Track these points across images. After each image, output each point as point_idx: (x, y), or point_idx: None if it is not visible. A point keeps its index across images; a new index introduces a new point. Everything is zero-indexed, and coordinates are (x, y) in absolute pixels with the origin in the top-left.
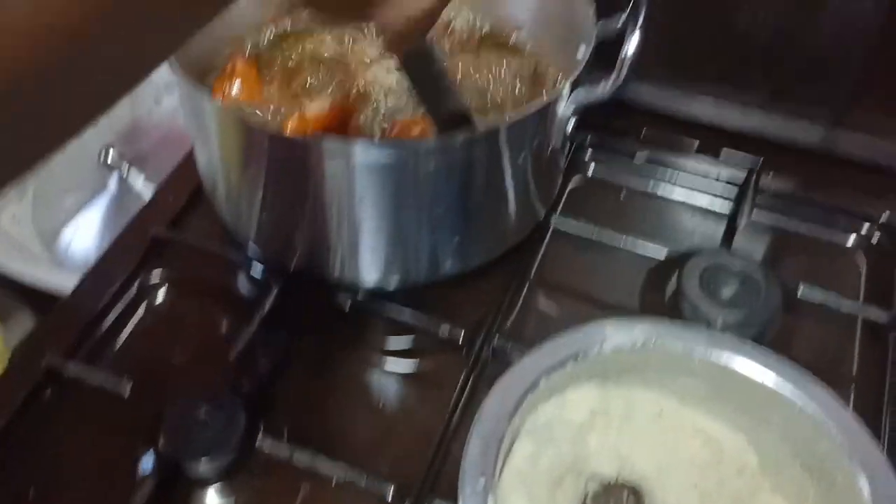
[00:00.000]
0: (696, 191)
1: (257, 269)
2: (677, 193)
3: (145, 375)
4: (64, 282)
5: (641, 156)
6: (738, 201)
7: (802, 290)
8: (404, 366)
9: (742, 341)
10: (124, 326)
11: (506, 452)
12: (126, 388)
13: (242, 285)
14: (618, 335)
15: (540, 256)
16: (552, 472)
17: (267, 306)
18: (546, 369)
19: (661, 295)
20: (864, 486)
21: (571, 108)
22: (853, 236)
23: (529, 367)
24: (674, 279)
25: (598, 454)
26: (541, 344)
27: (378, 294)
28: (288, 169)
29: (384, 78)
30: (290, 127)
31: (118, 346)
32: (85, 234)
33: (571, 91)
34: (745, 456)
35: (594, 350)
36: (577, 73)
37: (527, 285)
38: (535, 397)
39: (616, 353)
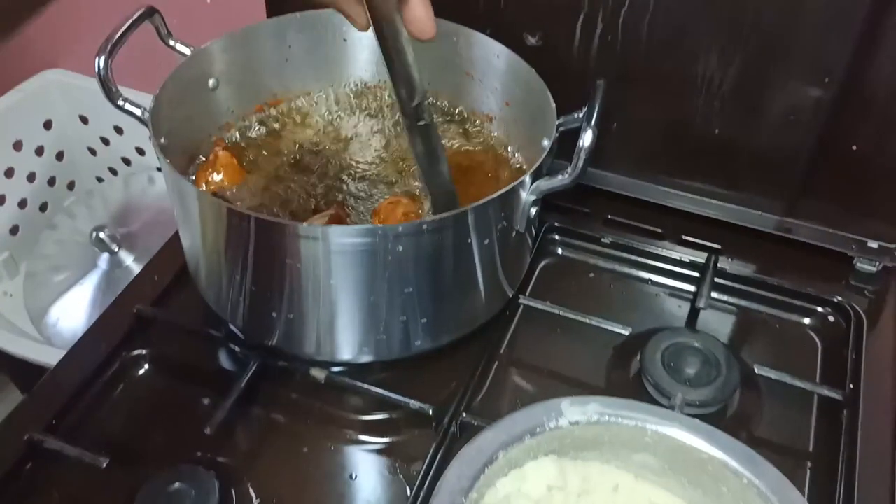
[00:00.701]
0: (660, 272)
1: (237, 346)
2: (642, 274)
3: (123, 450)
4: (51, 358)
5: (607, 239)
6: (699, 284)
7: (760, 370)
8: (376, 439)
9: (690, 419)
10: (105, 401)
11: None
12: (103, 463)
13: (222, 361)
14: (573, 411)
15: (509, 334)
16: None
17: (244, 382)
18: (504, 443)
19: (626, 372)
20: None
21: (534, 195)
22: (809, 318)
23: (488, 441)
24: (638, 357)
25: None
26: (500, 419)
27: (352, 369)
28: (266, 251)
29: (360, 154)
30: None
31: (98, 421)
32: (74, 312)
33: (534, 180)
34: None
35: (551, 424)
36: (538, 163)
37: (496, 362)
38: (494, 471)
39: (571, 428)
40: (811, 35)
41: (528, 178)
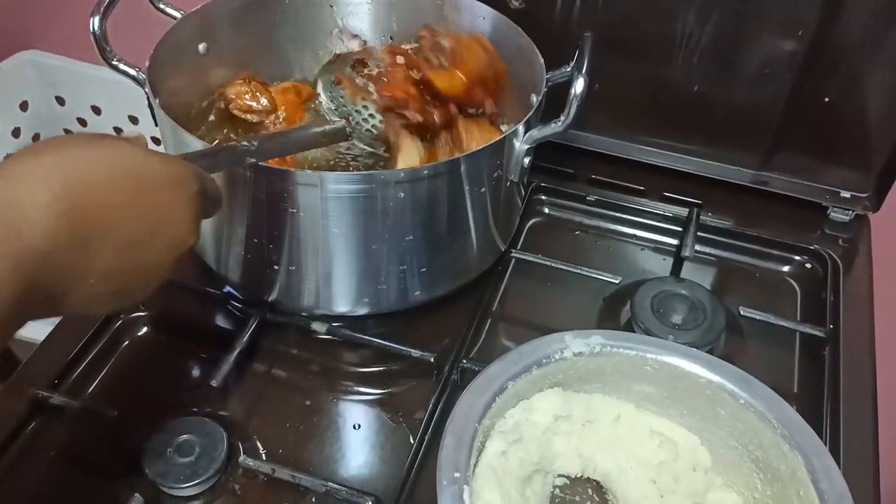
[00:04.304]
0: (644, 227)
1: (236, 303)
2: (627, 230)
3: (128, 405)
4: (34, 332)
5: (592, 198)
6: (682, 236)
7: (745, 311)
8: (377, 390)
9: (688, 348)
10: (106, 362)
11: (478, 450)
12: (110, 416)
13: (222, 319)
14: (577, 343)
15: (502, 287)
16: (522, 469)
17: (246, 337)
18: (512, 375)
19: (617, 321)
20: (804, 472)
21: (527, 144)
22: (787, 266)
23: (497, 373)
24: (627, 306)
25: (563, 455)
26: (507, 353)
27: (350, 323)
28: (266, 201)
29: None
30: None
31: (101, 379)
32: None
33: (526, 130)
34: (698, 454)
35: (556, 356)
36: (530, 113)
37: (490, 314)
38: (503, 401)
39: (575, 360)
40: None
41: (521, 128)
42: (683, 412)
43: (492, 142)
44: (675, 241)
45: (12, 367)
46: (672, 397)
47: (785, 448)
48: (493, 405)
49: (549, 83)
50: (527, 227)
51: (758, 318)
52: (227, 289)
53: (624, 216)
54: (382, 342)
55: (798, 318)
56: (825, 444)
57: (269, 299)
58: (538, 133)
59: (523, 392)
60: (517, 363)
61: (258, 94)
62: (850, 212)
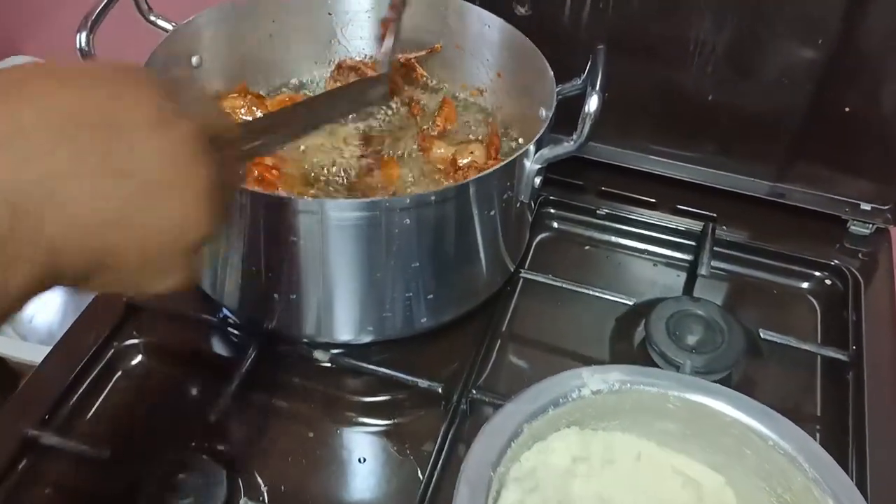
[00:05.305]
0: (656, 242)
1: (234, 331)
2: (638, 245)
3: (122, 442)
4: (27, 354)
5: (602, 211)
6: (697, 251)
7: (765, 334)
8: (383, 421)
9: (712, 384)
10: (100, 393)
11: (494, 500)
12: (104, 454)
13: (220, 347)
14: (595, 380)
15: (511, 309)
16: None
17: (245, 367)
18: (528, 416)
19: (630, 343)
20: None
21: (538, 164)
22: (806, 283)
23: (512, 415)
24: (641, 327)
25: (583, 498)
26: (521, 392)
27: (353, 350)
28: (265, 229)
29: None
30: None
31: (94, 413)
32: (49, 307)
33: (537, 149)
34: (723, 495)
35: (573, 395)
36: (541, 132)
37: (499, 338)
38: (519, 445)
39: (594, 398)
40: None
41: (531, 147)
42: (707, 450)
43: (502, 163)
44: (688, 256)
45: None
46: (695, 434)
47: (817, 493)
48: (509, 450)
49: (560, 96)
50: (535, 242)
51: (779, 341)
52: (225, 312)
53: (635, 230)
54: (388, 371)
55: (819, 339)
56: (850, 474)
57: (269, 327)
58: (550, 153)
59: (539, 433)
60: (533, 403)
61: (254, 107)
62: (871, 225)
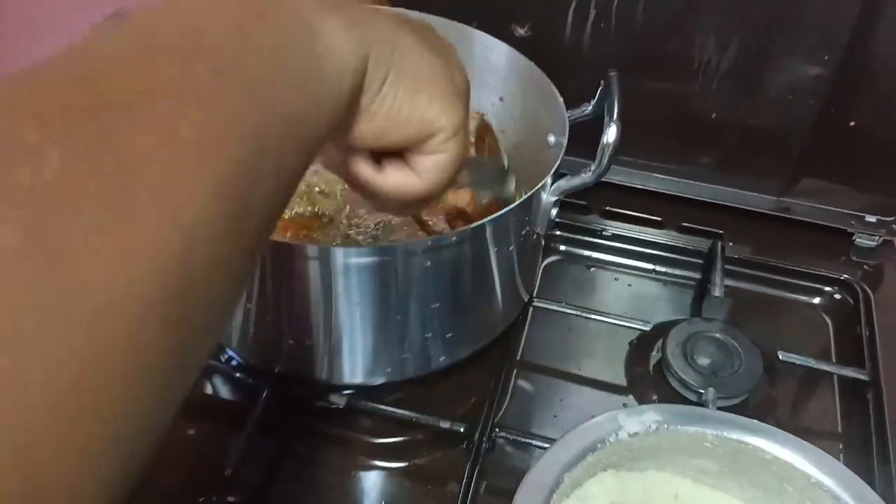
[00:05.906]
0: (663, 262)
1: (242, 374)
2: (646, 265)
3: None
4: None
5: (608, 232)
6: (706, 270)
7: (783, 356)
8: (403, 463)
9: (750, 421)
10: None
11: None
12: None
13: (228, 392)
14: (631, 422)
15: (523, 339)
16: None
17: (257, 412)
18: (566, 465)
19: (646, 367)
20: None
21: (555, 196)
22: (817, 298)
23: (550, 465)
24: (655, 350)
25: None
26: (558, 439)
27: (367, 390)
28: (273, 273)
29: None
30: None
31: None
32: None
33: (554, 180)
34: None
35: (611, 440)
36: (557, 163)
37: (514, 370)
38: (559, 495)
39: (630, 440)
40: (811, 13)
41: (549, 180)
42: (745, 487)
43: (521, 199)
44: (696, 274)
45: None
46: (733, 471)
47: None
48: (551, 502)
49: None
50: (542, 267)
51: (797, 362)
52: (229, 353)
53: (642, 250)
54: (407, 413)
55: (833, 357)
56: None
57: (281, 370)
58: (567, 184)
59: (578, 480)
60: (570, 450)
61: None
62: (877, 237)
